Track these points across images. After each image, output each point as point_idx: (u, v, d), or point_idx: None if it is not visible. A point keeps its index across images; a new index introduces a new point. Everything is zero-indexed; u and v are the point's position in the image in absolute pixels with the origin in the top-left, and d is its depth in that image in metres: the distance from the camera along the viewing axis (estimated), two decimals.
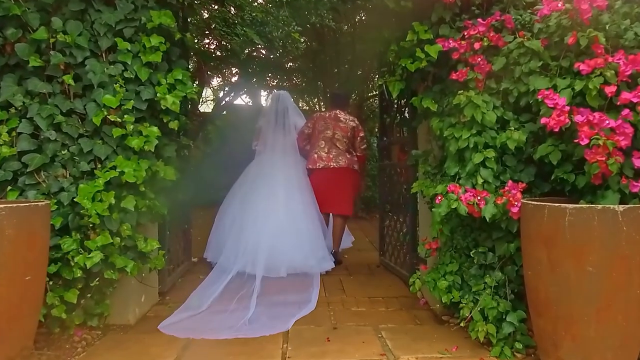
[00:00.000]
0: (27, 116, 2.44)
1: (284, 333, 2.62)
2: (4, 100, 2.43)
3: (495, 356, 2.27)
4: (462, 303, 2.44)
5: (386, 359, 2.29)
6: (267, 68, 6.97)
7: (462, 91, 2.38)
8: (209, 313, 2.93)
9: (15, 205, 1.93)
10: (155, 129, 2.57)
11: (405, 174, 3.66)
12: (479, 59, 2.43)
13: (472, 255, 2.48)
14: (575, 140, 2.03)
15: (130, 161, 2.49)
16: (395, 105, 3.88)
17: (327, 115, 4.39)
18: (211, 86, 8.56)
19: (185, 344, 2.48)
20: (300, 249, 3.87)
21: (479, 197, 2.23)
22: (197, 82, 6.69)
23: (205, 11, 5.56)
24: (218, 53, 6.43)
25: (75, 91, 2.53)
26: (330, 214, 4.42)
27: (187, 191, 3.61)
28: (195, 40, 5.50)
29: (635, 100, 2.00)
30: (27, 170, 2.40)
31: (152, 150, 2.57)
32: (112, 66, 2.55)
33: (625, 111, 2.00)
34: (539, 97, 2.17)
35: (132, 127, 2.51)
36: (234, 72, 7.83)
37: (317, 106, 8.72)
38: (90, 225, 2.37)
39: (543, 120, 2.13)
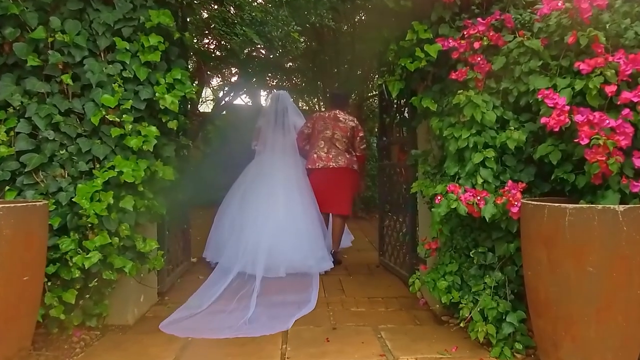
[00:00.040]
0: (26, 116, 2.43)
1: (283, 333, 2.61)
2: (2, 99, 2.42)
3: (495, 357, 2.27)
4: (461, 303, 2.43)
5: None
6: (266, 68, 6.97)
7: (461, 91, 2.37)
8: (209, 313, 2.93)
9: (12, 205, 1.92)
10: (154, 128, 2.57)
11: (404, 174, 3.66)
12: (479, 59, 2.42)
13: (471, 256, 2.47)
14: (576, 140, 2.02)
15: (129, 161, 2.48)
16: (395, 105, 3.87)
17: (327, 115, 4.39)
18: (211, 86, 8.55)
19: (184, 344, 2.47)
20: (299, 249, 3.87)
21: (478, 197, 2.22)
22: (196, 82, 6.69)
23: (205, 11, 5.55)
24: (217, 53, 6.42)
25: (73, 91, 2.53)
26: (330, 214, 4.41)
27: (187, 191, 3.61)
28: (195, 40, 5.50)
29: (635, 99, 2.00)
30: (26, 170, 2.39)
31: (151, 150, 2.56)
32: (110, 66, 2.54)
33: (626, 111, 1.99)
34: (539, 96, 2.16)
35: (130, 126, 2.50)
36: (233, 72, 7.83)
37: (316, 106, 8.71)
38: (89, 226, 2.36)
39: (543, 120, 2.12)
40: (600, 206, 1.89)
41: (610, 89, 2.03)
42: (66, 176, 2.46)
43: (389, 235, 4.11)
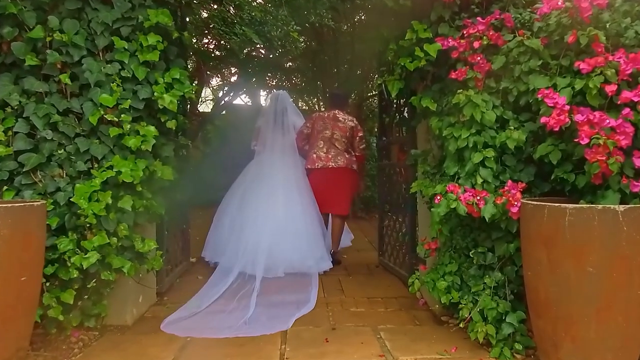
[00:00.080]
0: (24, 115, 2.42)
1: (282, 334, 2.60)
2: (0, 99, 2.41)
3: (495, 357, 2.26)
4: (461, 304, 2.43)
5: None
6: (266, 68, 6.96)
7: (461, 90, 2.37)
8: (209, 312, 2.93)
9: (10, 205, 1.91)
10: (152, 128, 2.56)
11: (404, 174, 3.65)
12: (479, 58, 2.42)
13: (471, 256, 2.46)
14: (576, 140, 2.02)
15: (127, 161, 2.47)
16: (395, 105, 3.87)
17: (326, 115, 4.39)
18: (210, 86, 8.54)
19: (183, 344, 2.46)
20: (298, 249, 3.87)
21: (478, 197, 2.22)
22: (196, 82, 6.68)
23: (205, 11, 5.54)
24: (217, 53, 6.41)
25: (71, 90, 2.52)
26: (330, 214, 4.41)
27: (186, 191, 3.60)
28: (194, 40, 5.49)
29: (635, 99, 1.99)
30: (24, 170, 2.38)
31: (150, 150, 2.55)
32: (109, 65, 2.53)
33: (626, 110, 1.99)
34: (539, 96, 2.15)
35: (129, 126, 2.49)
36: (233, 71, 7.82)
37: (316, 106, 8.70)
38: (87, 226, 2.35)
39: (543, 120, 2.12)
40: (600, 206, 1.88)
41: (610, 89, 2.02)
42: (64, 176, 2.45)
43: (388, 235, 4.11)
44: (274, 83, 8.27)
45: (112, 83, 2.50)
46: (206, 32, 5.89)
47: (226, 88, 8.20)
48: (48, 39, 2.45)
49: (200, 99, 8.22)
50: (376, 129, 6.12)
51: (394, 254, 3.95)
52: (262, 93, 9.11)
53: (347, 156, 4.29)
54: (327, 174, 4.23)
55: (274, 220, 3.97)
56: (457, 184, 2.33)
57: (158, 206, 2.73)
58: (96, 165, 2.50)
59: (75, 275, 2.30)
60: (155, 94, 2.58)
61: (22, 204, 1.98)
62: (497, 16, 2.50)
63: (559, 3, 2.29)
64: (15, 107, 2.42)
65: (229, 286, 3.32)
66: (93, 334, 2.57)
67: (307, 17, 5.60)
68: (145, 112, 2.64)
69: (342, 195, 4.29)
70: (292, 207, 4.09)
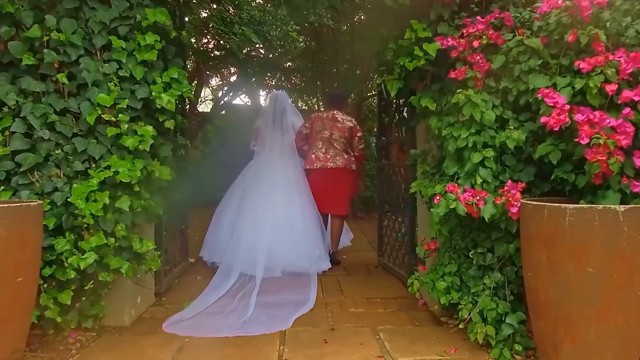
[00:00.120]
0: (21, 115, 2.41)
1: (281, 335, 2.59)
2: None
3: (495, 358, 2.25)
4: (461, 304, 2.42)
5: None
6: (265, 68, 6.95)
7: (460, 90, 2.36)
8: (209, 313, 2.93)
9: (6, 205, 1.90)
10: (150, 128, 2.54)
11: (403, 174, 3.64)
12: (478, 57, 2.41)
13: (471, 256, 2.45)
14: (576, 140, 2.01)
15: (125, 161, 2.46)
16: (394, 105, 3.86)
17: (325, 115, 4.39)
18: (210, 86, 8.52)
19: (181, 345, 2.45)
20: (297, 249, 3.87)
21: (477, 197, 2.21)
22: (195, 82, 6.67)
23: (204, 10, 5.53)
24: (216, 53, 6.40)
25: (69, 90, 2.50)
26: (329, 215, 4.40)
27: (185, 191, 3.58)
28: (193, 40, 5.48)
29: (636, 98, 1.98)
30: (21, 170, 2.37)
31: (147, 150, 2.54)
32: (106, 64, 2.52)
33: (626, 110, 1.98)
34: (539, 95, 2.14)
35: (126, 126, 2.48)
36: (232, 71, 7.81)
37: (316, 106, 8.69)
38: (84, 226, 2.34)
39: (543, 119, 2.11)
40: (600, 206, 1.87)
41: (610, 88, 2.01)
42: (62, 176, 2.44)
43: (387, 236, 4.09)
44: (273, 83, 8.26)
45: (110, 82, 2.49)
46: (205, 31, 5.87)
47: (225, 88, 8.18)
48: (45, 38, 2.44)
49: (199, 99, 8.21)
50: (375, 129, 6.11)
51: (394, 254, 3.94)
52: (262, 93, 9.10)
53: (345, 156, 4.29)
54: (326, 174, 4.23)
55: (273, 220, 3.96)
56: (456, 184, 2.32)
57: (156, 206, 2.72)
58: (94, 165, 2.48)
59: (72, 276, 2.29)
60: (153, 93, 2.57)
61: (18, 204, 1.97)
62: (497, 15, 2.49)
63: (559, 2, 2.28)
64: (13, 107, 2.41)
65: (230, 288, 3.32)
66: (91, 334, 2.56)
67: (306, 17, 5.59)
68: (143, 112, 2.62)
69: (341, 196, 4.29)
70: (292, 207, 4.09)
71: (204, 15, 5.58)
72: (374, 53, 4.13)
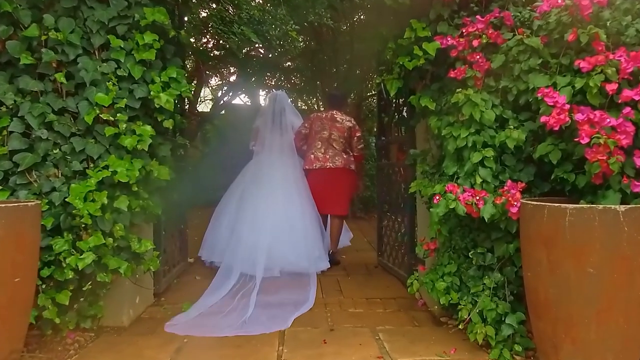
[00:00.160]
0: (19, 115, 2.40)
1: (280, 335, 2.58)
2: None
3: (494, 359, 2.24)
4: (460, 304, 2.41)
5: None
6: (265, 67, 6.94)
7: (460, 89, 2.35)
8: (209, 312, 2.92)
9: (3, 205, 1.89)
10: (148, 127, 2.53)
11: (403, 174, 3.63)
12: (478, 57, 2.40)
13: (470, 256, 2.44)
14: (576, 139, 2.00)
15: (123, 160, 2.45)
16: (394, 104, 3.85)
17: (324, 115, 4.38)
18: (209, 85, 8.51)
19: (179, 346, 2.44)
20: (296, 249, 3.87)
21: (477, 197, 2.20)
22: (195, 82, 6.66)
23: (203, 10, 5.52)
24: (216, 52, 6.39)
25: (67, 89, 2.50)
26: (329, 215, 4.39)
27: (184, 191, 3.58)
28: (193, 40, 5.47)
29: (636, 98, 1.97)
30: (18, 170, 2.36)
31: (146, 150, 2.53)
32: (104, 64, 2.51)
33: (627, 109, 1.97)
34: (539, 95, 2.13)
35: (125, 125, 2.47)
36: (232, 71, 7.80)
37: (315, 106, 8.68)
38: (83, 226, 2.33)
39: (543, 119, 2.10)
40: (601, 206, 1.86)
41: (611, 87, 2.00)
42: (60, 176, 2.43)
43: (387, 236, 4.09)
44: (273, 83, 8.25)
45: (108, 82, 2.48)
46: (205, 31, 5.86)
47: (225, 88, 8.17)
48: (43, 37, 2.43)
49: (199, 99, 8.20)
50: (375, 129, 6.10)
51: (393, 254, 3.93)
52: (261, 93, 9.09)
53: (344, 156, 4.28)
54: (325, 174, 4.22)
55: (273, 220, 3.96)
56: (456, 184, 2.31)
57: (155, 206, 2.71)
58: (92, 165, 2.47)
59: (70, 276, 2.28)
60: (152, 93, 2.56)
61: (15, 204, 1.96)
62: (497, 14, 2.48)
63: (559, 1, 2.27)
64: (10, 106, 2.40)
65: (230, 289, 3.32)
66: (89, 335, 2.55)
67: (305, 17, 5.58)
68: (142, 112, 2.61)
69: (340, 196, 4.28)
70: (291, 207, 4.09)
71: (204, 14, 5.57)
72: (373, 53, 4.12)
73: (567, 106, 2.04)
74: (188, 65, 6.00)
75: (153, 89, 2.57)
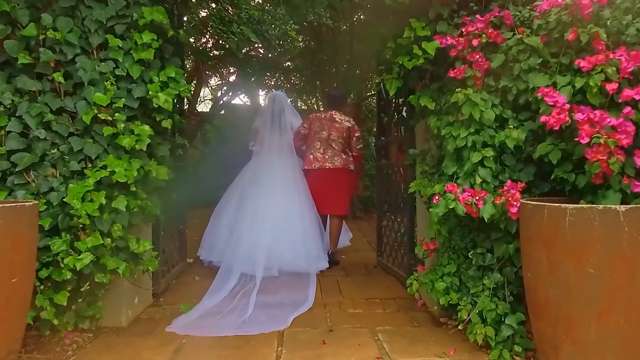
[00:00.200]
0: (16, 114, 2.39)
1: (279, 335, 2.57)
2: None
3: (494, 359, 2.23)
4: (460, 305, 2.40)
5: None
6: (265, 67, 6.93)
7: (460, 89, 2.34)
8: (209, 313, 2.91)
9: (0, 205, 1.88)
10: (147, 127, 2.53)
11: (403, 174, 3.62)
12: (477, 56, 2.39)
13: (470, 256, 2.44)
14: (576, 139, 1.99)
15: (122, 160, 2.44)
16: (393, 104, 3.84)
17: (323, 116, 4.39)
18: (209, 85, 8.50)
19: (178, 347, 2.44)
20: (296, 249, 3.86)
21: (477, 197, 2.19)
22: (195, 81, 6.65)
23: (203, 10, 5.51)
24: (215, 52, 6.38)
25: (65, 89, 2.49)
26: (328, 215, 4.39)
27: (183, 191, 3.57)
28: (192, 39, 5.46)
29: (637, 97, 1.96)
30: (16, 170, 2.35)
31: (144, 150, 2.52)
32: (103, 63, 2.50)
33: (627, 109, 1.96)
34: (539, 94, 2.13)
35: (123, 125, 2.46)
36: (231, 71, 7.79)
37: (315, 106, 8.67)
38: (80, 226, 2.32)
39: (543, 119, 2.09)
40: (601, 206, 1.85)
41: (611, 87, 1.99)
42: (57, 176, 2.42)
43: (387, 236, 4.08)
44: (272, 83, 8.24)
45: (106, 82, 2.47)
46: (204, 31, 5.85)
47: (225, 88, 8.17)
48: (41, 37, 2.42)
49: (198, 99, 8.19)
50: (375, 129, 6.09)
51: (393, 254, 3.92)
52: (261, 93, 9.08)
53: (344, 157, 4.28)
54: (325, 174, 4.22)
55: (272, 220, 3.96)
56: (455, 184, 2.30)
57: (153, 206, 2.70)
58: (90, 165, 2.47)
59: (68, 277, 2.27)
60: (150, 92, 2.55)
61: (12, 204, 1.95)
62: (496, 14, 2.47)
63: (559, 0, 2.26)
64: (8, 106, 2.39)
65: (232, 289, 3.31)
66: (87, 335, 2.54)
67: (305, 16, 5.57)
68: (140, 111, 2.61)
69: (339, 196, 4.28)
70: (290, 207, 4.09)
71: (203, 14, 5.56)
72: (373, 52, 4.11)
73: (567, 106, 2.03)
74: (188, 65, 5.99)
75: (151, 89, 2.56)
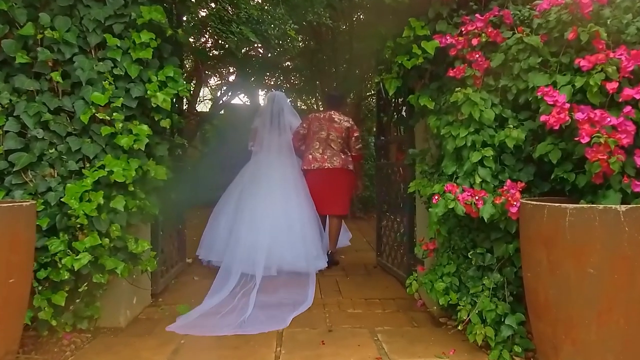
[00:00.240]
0: (14, 114, 2.38)
1: (278, 336, 2.57)
2: None
3: None
4: (459, 305, 2.39)
5: None
6: (264, 67, 6.93)
7: (459, 88, 2.33)
8: (209, 313, 2.91)
9: None
10: (145, 127, 2.52)
11: (402, 174, 3.62)
12: (477, 56, 2.38)
13: (470, 256, 2.43)
14: (576, 139, 1.98)
15: (120, 160, 2.43)
16: (393, 104, 3.83)
17: (322, 116, 4.38)
18: (208, 85, 8.49)
19: (176, 347, 2.43)
20: (295, 249, 3.85)
21: (476, 197, 2.18)
22: (194, 81, 6.64)
23: (202, 10, 5.50)
24: (215, 52, 6.37)
25: (63, 88, 2.48)
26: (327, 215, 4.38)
27: (182, 191, 3.56)
28: (192, 39, 5.45)
29: (637, 96, 1.96)
30: (14, 170, 2.35)
31: (143, 149, 2.51)
32: (101, 63, 2.49)
33: (627, 108, 1.95)
34: (539, 94, 2.12)
35: (121, 125, 2.45)
36: (231, 71, 7.78)
37: (315, 105, 8.66)
38: (78, 226, 2.31)
39: (542, 118, 2.08)
40: (601, 206, 1.85)
41: (611, 86, 1.99)
42: (55, 176, 2.41)
43: (386, 236, 4.07)
44: (272, 82, 8.24)
45: (104, 81, 2.46)
46: (204, 31, 5.85)
47: (224, 87, 8.16)
48: (39, 36, 2.42)
49: (198, 99, 8.18)
50: (374, 128, 6.08)
51: (392, 254, 3.91)
52: (261, 92, 9.07)
53: (343, 157, 4.28)
54: (324, 174, 4.22)
55: (271, 220, 3.95)
56: (455, 184, 2.29)
57: (152, 206, 2.69)
58: (88, 165, 2.45)
59: (66, 277, 2.26)
60: (149, 92, 2.54)
61: (10, 204, 1.94)
62: (496, 13, 2.46)
63: None
64: (6, 106, 2.38)
65: (232, 290, 3.31)
66: (85, 336, 2.53)
67: (304, 16, 5.57)
68: (139, 111, 2.59)
69: (339, 196, 4.27)
70: (290, 207, 4.08)
71: (202, 14, 5.55)
72: (372, 52, 4.10)
73: (567, 105, 2.02)
74: (187, 65, 5.99)
75: (150, 88, 2.55)
